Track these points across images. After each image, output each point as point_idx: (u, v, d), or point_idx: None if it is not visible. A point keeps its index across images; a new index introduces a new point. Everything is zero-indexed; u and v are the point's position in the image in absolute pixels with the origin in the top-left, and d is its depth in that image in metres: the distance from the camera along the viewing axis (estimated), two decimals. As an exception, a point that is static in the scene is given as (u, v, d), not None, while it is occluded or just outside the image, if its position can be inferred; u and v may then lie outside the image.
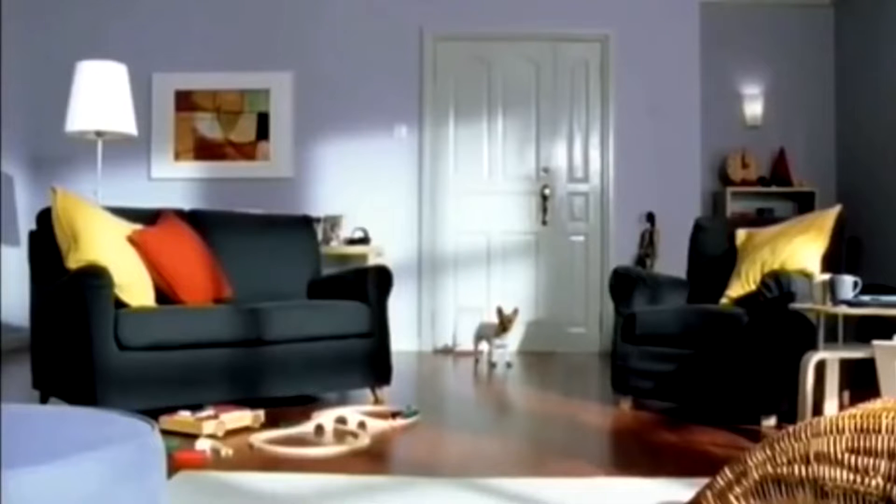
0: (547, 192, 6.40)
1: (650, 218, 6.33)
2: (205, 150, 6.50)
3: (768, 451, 1.17)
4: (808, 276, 3.54)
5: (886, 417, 1.08)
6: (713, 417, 3.68)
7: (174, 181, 6.49)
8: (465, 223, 6.46)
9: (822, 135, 7.14)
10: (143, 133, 6.31)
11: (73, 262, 3.37)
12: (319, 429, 3.26)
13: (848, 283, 3.14)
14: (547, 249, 6.44)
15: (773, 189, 6.90)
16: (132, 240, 3.62)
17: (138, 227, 3.73)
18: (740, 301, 3.81)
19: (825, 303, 3.19)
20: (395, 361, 4.97)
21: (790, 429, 1.17)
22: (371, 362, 3.99)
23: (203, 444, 2.90)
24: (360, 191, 6.45)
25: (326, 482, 2.50)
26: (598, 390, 4.46)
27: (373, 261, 6.08)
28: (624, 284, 3.95)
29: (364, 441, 3.04)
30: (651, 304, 3.99)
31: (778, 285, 3.38)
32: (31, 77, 6.49)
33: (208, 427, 3.11)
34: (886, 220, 6.31)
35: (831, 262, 3.74)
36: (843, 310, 3.04)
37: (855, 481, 1.07)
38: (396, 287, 5.69)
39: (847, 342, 3.48)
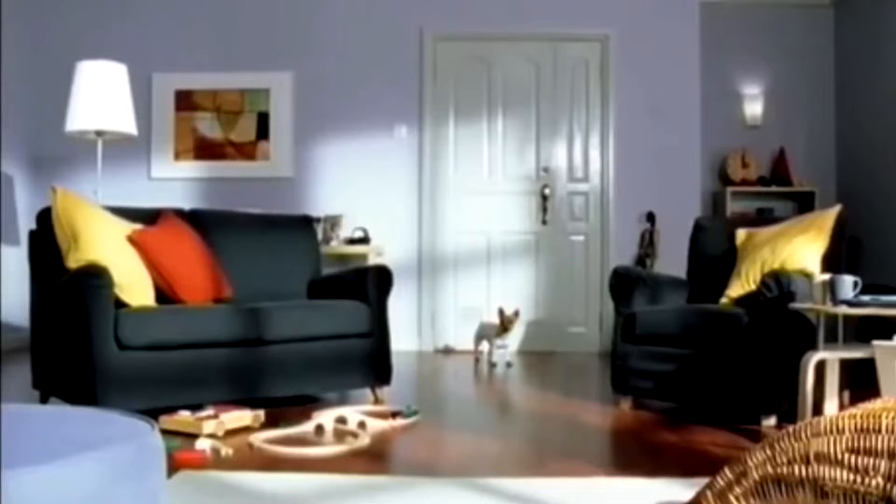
0: (547, 191, 6.40)
1: (650, 218, 6.33)
2: (205, 149, 6.50)
3: (768, 451, 1.17)
4: (808, 275, 3.54)
5: (886, 417, 1.08)
6: (713, 417, 3.67)
7: (174, 181, 6.49)
8: (465, 223, 6.46)
9: (822, 135, 7.14)
10: (143, 133, 6.31)
11: (73, 262, 3.37)
12: (319, 429, 3.26)
13: (848, 283, 3.14)
14: (547, 249, 6.44)
15: (773, 189, 6.90)
16: (132, 239, 3.62)
17: (138, 226, 3.73)
18: (740, 301, 3.81)
19: (825, 303, 3.19)
20: (395, 361, 4.96)
21: (790, 429, 1.17)
22: (371, 362, 3.99)
23: (203, 444, 2.90)
24: (360, 191, 6.45)
25: (326, 482, 2.50)
26: (598, 390, 4.46)
27: (373, 261, 6.08)
28: (624, 284, 3.95)
29: (364, 441, 3.04)
30: (651, 303, 3.99)
31: (778, 285, 3.38)
32: (31, 77, 6.49)
33: (208, 427, 3.11)
34: (886, 220, 6.30)
35: (831, 261, 3.74)
36: (843, 310, 3.04)
37: (855, 481, 1.07)
38: (396, 287, 5.68)
39: (847, 342, 3.48)
